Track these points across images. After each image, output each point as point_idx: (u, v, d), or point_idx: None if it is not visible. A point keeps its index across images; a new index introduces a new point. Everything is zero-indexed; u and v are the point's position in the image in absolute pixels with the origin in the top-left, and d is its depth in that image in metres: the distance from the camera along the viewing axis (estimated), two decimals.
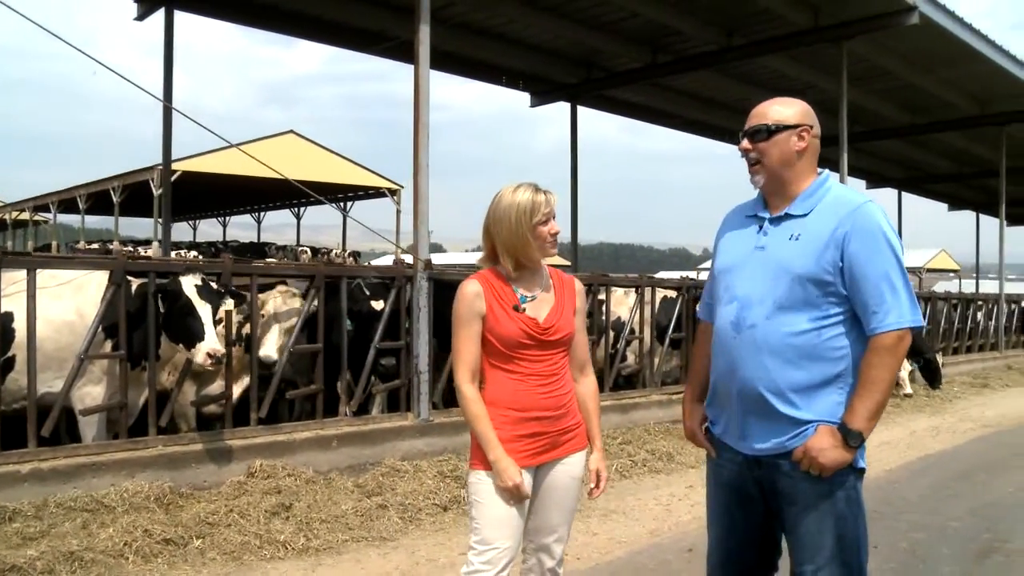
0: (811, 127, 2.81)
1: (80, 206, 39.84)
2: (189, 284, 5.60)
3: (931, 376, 12.63)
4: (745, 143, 2.84)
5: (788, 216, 2.80)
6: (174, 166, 31.72)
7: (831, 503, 2.70)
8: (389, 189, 37.73)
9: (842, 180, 12.07)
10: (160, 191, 30.68)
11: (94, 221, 60.83)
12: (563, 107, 16.26)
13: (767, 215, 2.86)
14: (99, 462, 5.40)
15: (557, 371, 3.12)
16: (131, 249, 35.47)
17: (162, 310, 5.67)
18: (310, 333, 6.77)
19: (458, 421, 7.34)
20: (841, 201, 2.74)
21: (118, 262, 5.67)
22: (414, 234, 7.24)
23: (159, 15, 10.76)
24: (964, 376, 14.66)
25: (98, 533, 4.71)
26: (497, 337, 3.04)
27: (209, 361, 5.48)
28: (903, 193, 25.71)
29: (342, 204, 43.52)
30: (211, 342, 5.49)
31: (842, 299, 2.67)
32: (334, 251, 43.82)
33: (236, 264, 6.36)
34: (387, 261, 54.96)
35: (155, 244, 33.85)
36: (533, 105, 16.22)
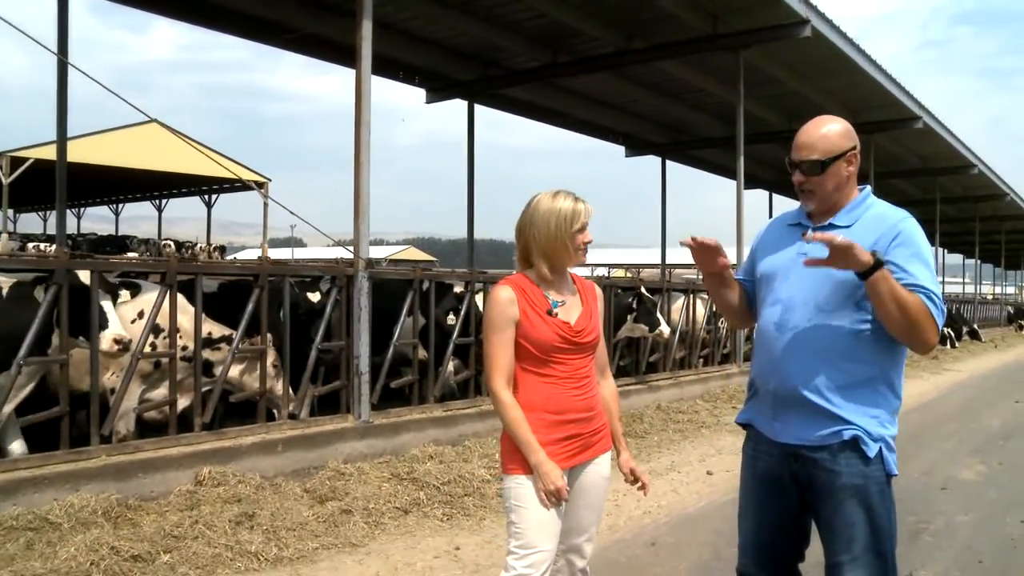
0: (855, 147, 2.95)
1: None
2: (86, 277, 5.52)
3: None
4: (798, 176, 2.93)
5: (832, 226, 2.92)
6: (23, 154, 29.83)
7: (866, 496, 2.82)
8: (256, 182, 36.59)
9: (739, 183, 12.54)
10: (10, 178, 28.83)
11: None
12: (426, 101, 16.10)
13: (811, 224, 3.00)
14: (40, 476, 5.01)
15: (588, 373, 3.17)
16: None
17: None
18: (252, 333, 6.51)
19: (396, 422, 7.24)
20: (884, 215, 2.89)
21: (60, 261, 5.30)
22: (354, 232, 7.07)
23: None
24: None
25: (55, 553, 4.37)
26: (532, 342, 3.05)
27: (116, 347, 5.45)
28: (774, 195, 26.97)
29: (207, 197, 42.08)
30: (116, 328, 5.46)
31: None
32: (198, 245, 42.19)
33: (181, 264, 6.06)
34: (252, 255, 53.14)
35: (4, 236, 31.63)
36: (429, 101, 16.00)
